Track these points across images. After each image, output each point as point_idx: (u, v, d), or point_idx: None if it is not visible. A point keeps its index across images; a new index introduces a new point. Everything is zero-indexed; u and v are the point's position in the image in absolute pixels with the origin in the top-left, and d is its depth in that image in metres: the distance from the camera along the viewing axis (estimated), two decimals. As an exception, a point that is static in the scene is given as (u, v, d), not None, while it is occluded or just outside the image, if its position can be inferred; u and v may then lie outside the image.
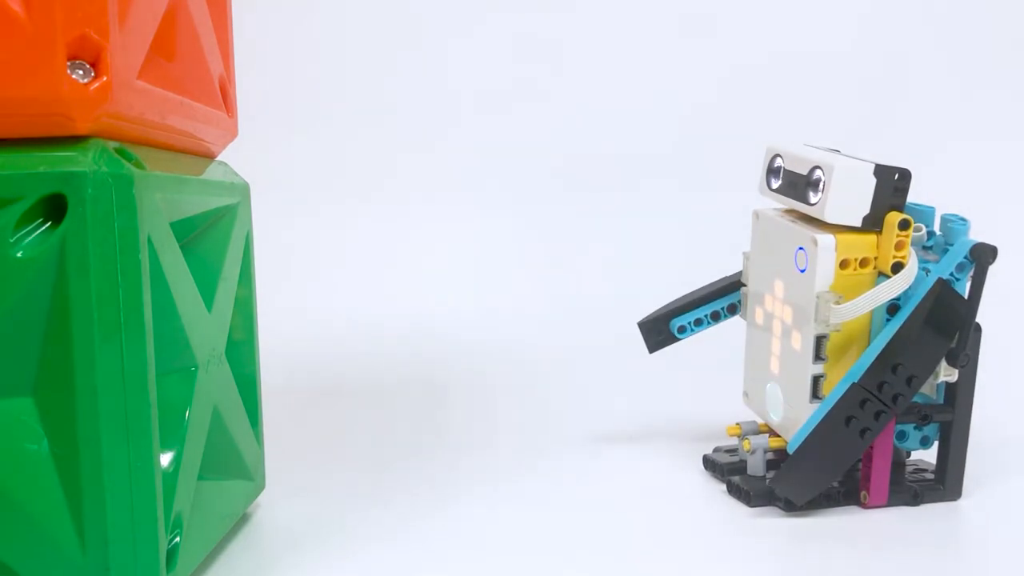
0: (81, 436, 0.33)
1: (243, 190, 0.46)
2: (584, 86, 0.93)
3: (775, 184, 0.51)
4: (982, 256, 0.48)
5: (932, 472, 0.51)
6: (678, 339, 0.56)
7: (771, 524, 0.47)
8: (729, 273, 0.56)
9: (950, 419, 0.49)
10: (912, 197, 0.50)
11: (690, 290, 0.56)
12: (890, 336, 0.47)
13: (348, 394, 0.66)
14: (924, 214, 0.50)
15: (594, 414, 0.63)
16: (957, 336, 0.47)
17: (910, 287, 0.47)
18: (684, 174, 0.91)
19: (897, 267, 0.47)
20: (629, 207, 0.91)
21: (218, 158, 0.46)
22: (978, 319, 0.48)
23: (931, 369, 0.47)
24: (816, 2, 0.93)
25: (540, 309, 0.84)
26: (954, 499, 0.50)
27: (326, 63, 0.93)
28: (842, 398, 0.46)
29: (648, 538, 0.46)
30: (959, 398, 0.49)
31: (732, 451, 0.53)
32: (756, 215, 0.53)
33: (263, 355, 0.68)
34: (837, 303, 0.46)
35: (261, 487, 0.48)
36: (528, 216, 0.92)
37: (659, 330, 0.56)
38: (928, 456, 0.52)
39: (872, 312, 0.48)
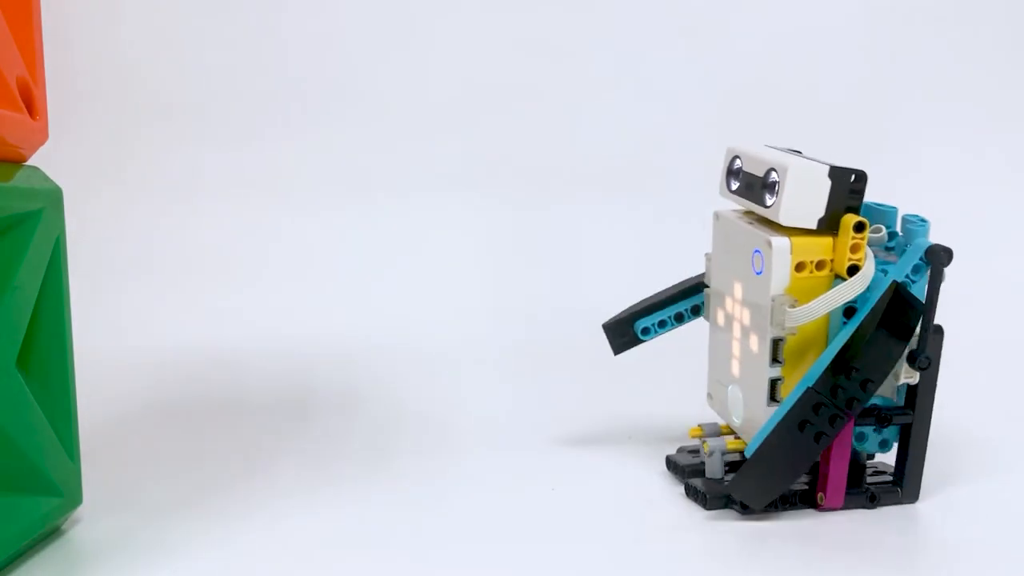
0: None
1: (50, 195, 0.44)
2: (549, 89, 0.91)
3: (734, 186, 0.51)
4: (936, 259, 0.47)
5: (891, 475, 0.51)
6: (642, 340, 0.56)
7: (726, 527, 0.47)
8: (694, 275, 0.56)
9: (910, 422, 0.49)
10: (884, 198, 0.49)
11: (656, 290, 0.56)
12: (844, 340, 0.46)
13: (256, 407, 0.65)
14: (886, 214, 0.50)
15: (553, 416, 0.62)
16: (915, 338, 0.47)
17: (867, 290, 0.47)
18: (649, 178, 0.90)
19: (853, 270, 0.47)
20: (593, 208, 0.90)
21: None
22: (940, 321, 0.48)
23: (886, 372, 0.47)
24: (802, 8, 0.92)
25: (497, 310, 0.82)
26: (911, 502, 0.50)
27: (325, 62, 0.92)
28: (796, 403, 0.46)
29: (607, 541, 0.46)
30: (919, 401, 0.49)
31: (695, 452, 0.53)
32: (716, 216, 0.52)
33: (166, 368, 0.67)
34: (792, 306, 0.46)
35: (77, 502, 0.47)
36: (489, 217, 0.90)
37: (623, 332, 0.56)
38: (888, 459, 0.52)
39: (829, 315, 0.48)
